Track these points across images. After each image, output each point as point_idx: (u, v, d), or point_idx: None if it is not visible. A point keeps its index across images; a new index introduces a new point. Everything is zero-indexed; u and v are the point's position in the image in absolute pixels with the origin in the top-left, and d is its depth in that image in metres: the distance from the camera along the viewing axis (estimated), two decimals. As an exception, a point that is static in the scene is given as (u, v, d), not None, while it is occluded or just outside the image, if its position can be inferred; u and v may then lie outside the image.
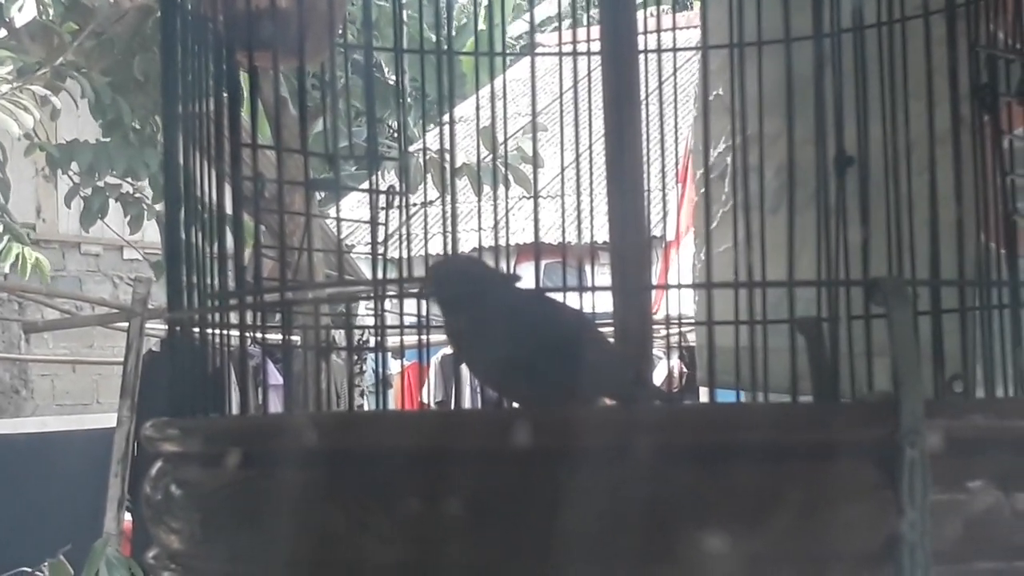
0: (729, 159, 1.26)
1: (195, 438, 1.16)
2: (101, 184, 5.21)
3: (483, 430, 1.03)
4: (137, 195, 5.25)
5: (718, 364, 1.14)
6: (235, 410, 1.21)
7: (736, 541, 0.95)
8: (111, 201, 5.23)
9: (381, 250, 1.38)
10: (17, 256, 5.06)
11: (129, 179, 5.17)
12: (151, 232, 5.38)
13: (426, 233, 1.40)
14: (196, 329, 1.22)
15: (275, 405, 1.29)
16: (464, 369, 1.19)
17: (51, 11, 5.05)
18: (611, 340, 1.27)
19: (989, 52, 1.09)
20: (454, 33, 1.35)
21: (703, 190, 1.64)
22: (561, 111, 1.31)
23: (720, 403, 1.12)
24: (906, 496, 0.95)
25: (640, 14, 1.35)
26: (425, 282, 1.16)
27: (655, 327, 1.31)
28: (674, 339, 1.30)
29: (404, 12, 1.48)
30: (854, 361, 1.18)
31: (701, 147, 1.18)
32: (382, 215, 1.39)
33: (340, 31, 1.38)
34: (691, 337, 1.74)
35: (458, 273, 1.16)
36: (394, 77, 1.38)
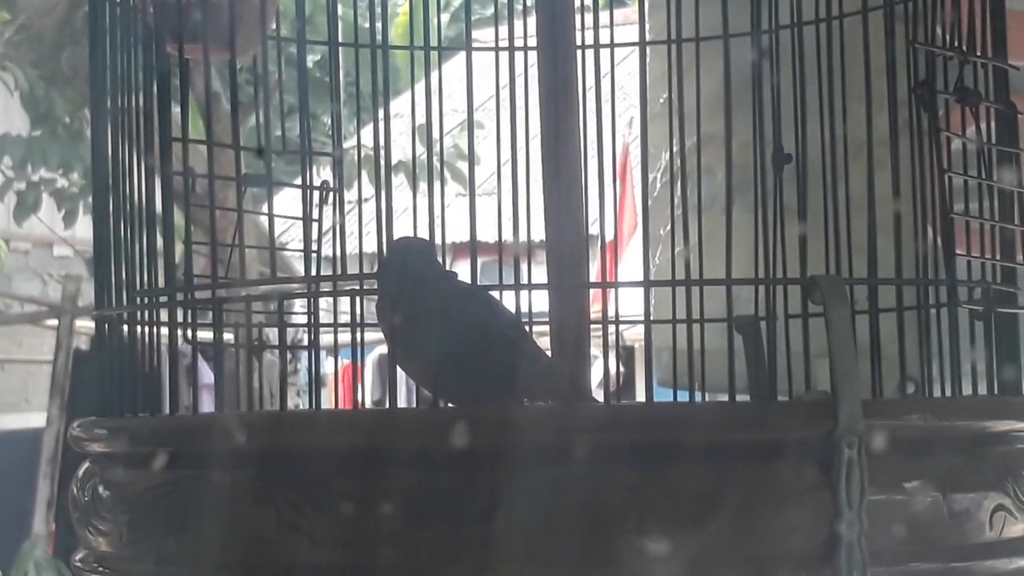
0: (679, 162, 1.25)
1: (123, 438, 1.14)
2: (36, 179, 5.13)
3: (419, 429, 1.01)
4: (72, 189, 5.17)
5: (656, 363, 1.13)
6: (165, 409, 1.19)
7: (675, 542, 0.94)
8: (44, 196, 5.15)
9: (315, 247, 1.36)
10: None
11: (62, 173, 5.10)
12: (82, 228, 5.30)
13: (361, 230, 1.38)
14: (125, 327, 1.19)
15: (207, 404, 1.26)
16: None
17: (-17, 1, 4.97)
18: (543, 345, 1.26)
19: (927, 49, 1.09)
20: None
21: (655, 194, 1.63)
22: (498, 107, 1.30)
23: (658, 402, 1.11)
24: (843, 496, 0.95)
25: (577, 8, 1.34)
26: (384, 261, 1.13)
27: (592, 326, 1.30)
28: (611, 338, 1.29)
29: (339, 6, 1.46)
30: (792, 360, 1.18)
31: (650, 151, 1.17)
32: (316, 212, 1.37)
33: (273, 24, 1.36)
34: (628, 336, 1.74)
35: (401, 262, 1.13)
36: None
